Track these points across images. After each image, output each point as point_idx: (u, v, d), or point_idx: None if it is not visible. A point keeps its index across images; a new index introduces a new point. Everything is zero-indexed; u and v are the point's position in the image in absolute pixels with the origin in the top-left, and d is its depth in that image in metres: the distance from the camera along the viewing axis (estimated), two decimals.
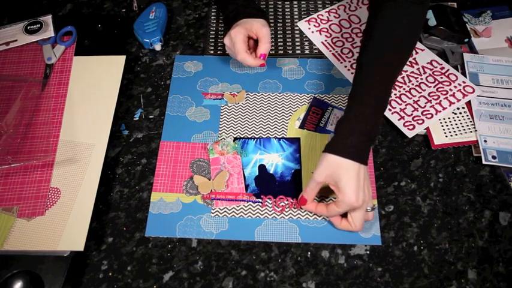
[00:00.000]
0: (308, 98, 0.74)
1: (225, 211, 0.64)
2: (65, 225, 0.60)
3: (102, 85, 0.73)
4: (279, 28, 0.83)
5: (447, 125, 0.69)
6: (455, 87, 0.72)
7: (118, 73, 0.74)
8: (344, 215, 0.61)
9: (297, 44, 0.80)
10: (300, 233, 0.62)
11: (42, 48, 0.77)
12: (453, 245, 0.61)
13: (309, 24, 0.83)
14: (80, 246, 0.58)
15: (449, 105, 0.71)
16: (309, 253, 0.61)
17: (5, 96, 0.72)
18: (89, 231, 0.60)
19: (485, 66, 0.75)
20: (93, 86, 0.73)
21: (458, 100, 0.71)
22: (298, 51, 0.79)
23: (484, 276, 0.59)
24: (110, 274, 0.59)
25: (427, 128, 0.69)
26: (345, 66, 0.77)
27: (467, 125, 0.69)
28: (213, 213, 0.64)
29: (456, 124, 0.69)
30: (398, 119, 0.70)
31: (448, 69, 0.75)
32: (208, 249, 0.61)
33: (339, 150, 0.57)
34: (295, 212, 0.63)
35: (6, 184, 0.64)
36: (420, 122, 0.69)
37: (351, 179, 0.56)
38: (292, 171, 0.67)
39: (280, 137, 0.70)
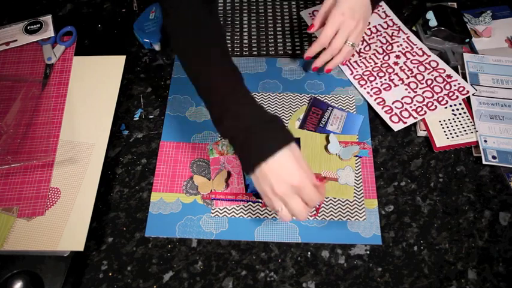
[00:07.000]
0: (308, 98, 0.74)
1: (225, 211, 0.64)
2: (65, 225, 0.60)
3: (102, 85, 0.73)
4: (278, 28, 0.83)
5: (447, 127, 0.69)
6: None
7: (118, 73, 0.74)
8: None
9: (297, 44, 0.80)
10: (299, 233, 0.62)
11: (42, 48, 0.77)
12: (453, 245, 0.61)
13: (311, 16, 0.82)
14: (80, 246, 0.58)
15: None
16: (309, 253, 0.61)
17: (5, 96, 0.72)
18: (89, 231, 0.60)
19: (485, 66, 0.75)
20: (93, 86, 0.73)
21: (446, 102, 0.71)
22: (298, 51, 0.79)
23: (484, 276, 0.59)
24: (110, 274, 0.59)
25: (428, 131, 0.69)
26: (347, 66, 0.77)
27: (468, 126, 0.69)
28: (213, 213, 0.64)
29: (457, 125, 0.69)
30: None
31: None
32: (208, 249, 0.61)
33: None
34: None
35: (6, 184, 0.64)
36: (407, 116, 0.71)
37: None
38: None
39: None
